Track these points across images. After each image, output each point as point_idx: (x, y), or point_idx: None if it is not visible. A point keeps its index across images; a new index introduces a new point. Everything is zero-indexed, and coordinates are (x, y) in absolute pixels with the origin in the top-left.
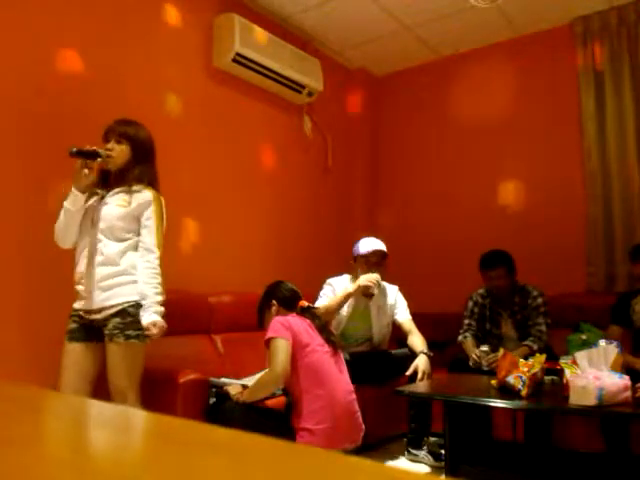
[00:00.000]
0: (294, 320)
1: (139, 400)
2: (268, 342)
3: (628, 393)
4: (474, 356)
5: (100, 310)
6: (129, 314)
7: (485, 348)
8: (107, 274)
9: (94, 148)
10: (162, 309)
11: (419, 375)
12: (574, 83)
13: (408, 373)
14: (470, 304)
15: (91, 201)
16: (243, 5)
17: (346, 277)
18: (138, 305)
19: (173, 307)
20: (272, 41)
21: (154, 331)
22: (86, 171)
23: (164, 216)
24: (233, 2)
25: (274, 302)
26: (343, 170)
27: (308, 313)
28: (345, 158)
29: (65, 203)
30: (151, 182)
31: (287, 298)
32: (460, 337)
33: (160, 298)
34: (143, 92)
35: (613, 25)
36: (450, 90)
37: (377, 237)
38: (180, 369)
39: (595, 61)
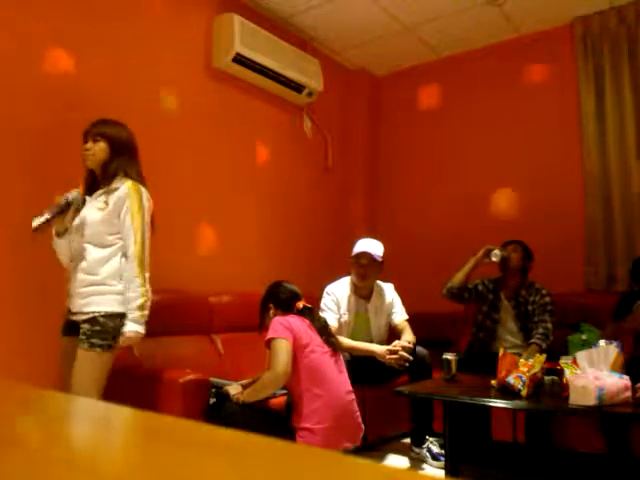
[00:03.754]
0: (294, 320)
1: None
2: (269, 342)
3: (628, 393)
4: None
5: (76, 314)
6: (98, 323)
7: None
8: (86, 282)
9: (59, 203)
10: (141, 313)
11: (397, 345)
12: (574, 83)
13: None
14: (476, 281)
15: (80, 209)
16: (243, 5)
17: (345, 280)
18: (110, 316)
19: (173, 307)
20: (272, 41)
21: (127, 342)
22: (58, 221)
23: (144, 206)
24: (233, 2)
25: (271, 305)
26: (343, 170)
27: (308, 314)
28: (345, 158)
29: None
30: (128, 174)
31: (284, 301)
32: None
33: (139, 301)
34: (143, 92)
35: (613, 25)
36: (450, 90)
37: (376, 237)
38: (180, 369)
39: (595, 61)
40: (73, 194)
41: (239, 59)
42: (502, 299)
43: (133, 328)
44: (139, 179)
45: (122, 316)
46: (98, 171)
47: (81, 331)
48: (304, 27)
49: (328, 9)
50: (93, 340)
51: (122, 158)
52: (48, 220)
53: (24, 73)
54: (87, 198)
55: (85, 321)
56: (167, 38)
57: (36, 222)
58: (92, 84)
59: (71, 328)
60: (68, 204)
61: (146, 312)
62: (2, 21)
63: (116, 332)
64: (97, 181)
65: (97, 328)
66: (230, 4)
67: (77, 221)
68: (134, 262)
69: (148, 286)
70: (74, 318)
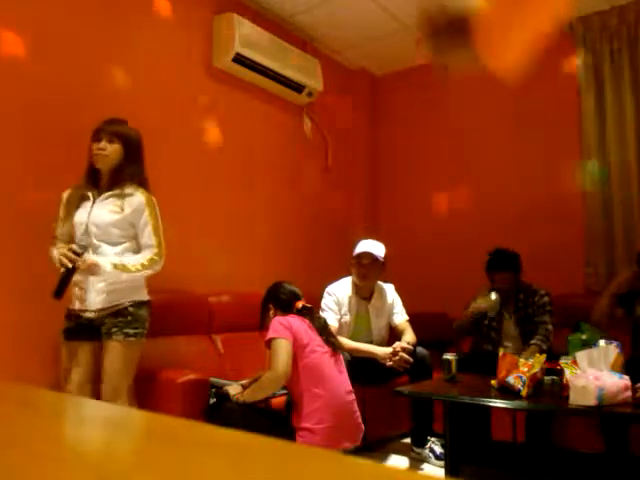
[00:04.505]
0: (294, 320)
1: (131, 399)
2: (269, 342)
3: (628, 393)
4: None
5: (98, 310)
6: (129, 313)
7: (494, 297)
8: (105, 277)
9: (66, 268)
10: (110, 269)
11: (397, 347)
12: (574, 83)
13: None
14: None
15: (82, 206)
16: (243, 5)
17: (347, 281)
18: (137, 305)
19: (173, 307)
20: (272, 41)
21: (87, 265)
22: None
23: (158, 216)
24: (233, 2)
25: (270, 306)
26: (343, 170)
27: (307, 313)
28: (345, 158)
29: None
30: (142, 182)
31: (284, 301)
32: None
33: (132, 266)
34: (143, 92)
35: (613, 25)
36: (450, 90)
37: (377, 238)
38: (180, 369)
39: (595, 61)
40: (84, 240)
41: (239, 59)
42: (503, 312)
43: (111, 267)
44: (148, 187)
45: (148, 303)
46: (107, 173)
47: (109, 324)
48: (304, 27)
49: (328, 9)
50: (127, 330)
51: (135, 164)
52: (64, 283)
53: (28, 75)
54: (89, 194)
55: (112, 314)
56: (167, 38)
57: (55, 287)
58: (91, 83)
59: (84, 331)
60: (72, 268)
61: (124, 275)
62: None
63: (145, 320)
64: (99, 180)
65: (129, 318)
66: (230, 4)
67: (84, 219)
68: (149, 256)
69: (142, 273)
70: (92, 316)
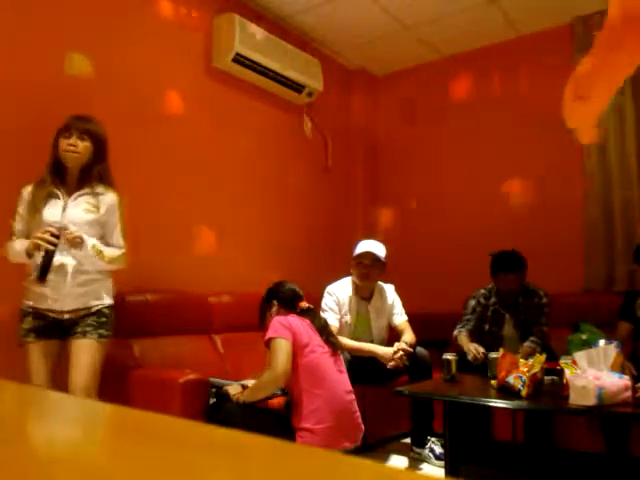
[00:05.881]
0: (294, 320)
1: (97, 398)
2: (268, 342)
3: (628, 393)
4: (474, 351)
5: (72, 311)
6: (104, 315)
7: (494, 355)
8: (82, 278)
9: (47, 251)
10: (90, 248)
11: (396, 349)
12: None
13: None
14: (472, 302)
15: (51, 205)
16: (243, 5)
17: (347, 281)
18: (111, 307)
19: (173, 307)
20: (272, 41)
21: (73, 236)
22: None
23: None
24: (233, 2)
25: (275, 302)
26: (343, 170)
27: (308, 313)
28: (345, 158)
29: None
30: (111, 182)
31: (288, 298)
32: (455, 332)
33: (110, 255)
34: (143, 92)
35: None
36: (450, 90)
37: (377, 238)
38: (180, 369)
39: None
40: (58, 223)
41: (239, 59)
42: (503, 313)
43: (90, 247)
44: (114, 185)
45: (114, 307)
46: (76, 171)
47: (83, 324)
48: (304, 27)
49: (328, 9)
50: (101, 331)
51: (103, 163)
52: (46, 264)
53: (30, 73)
54: (58, 193)
55: (89, 314)
56: (167, 38)
57: (38, 272)
58: (91, 83)
59: (54, 329)
60: (57, 237)
61: (99, 262)
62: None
63: (113, 323)
64: (66, 177)
65: (103, 319)
66: (230, 4)
67: (57, 218)
68: (120, 253)
69: (111, 266)
70: (66, 317)
